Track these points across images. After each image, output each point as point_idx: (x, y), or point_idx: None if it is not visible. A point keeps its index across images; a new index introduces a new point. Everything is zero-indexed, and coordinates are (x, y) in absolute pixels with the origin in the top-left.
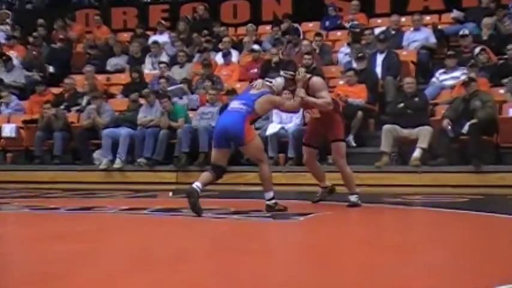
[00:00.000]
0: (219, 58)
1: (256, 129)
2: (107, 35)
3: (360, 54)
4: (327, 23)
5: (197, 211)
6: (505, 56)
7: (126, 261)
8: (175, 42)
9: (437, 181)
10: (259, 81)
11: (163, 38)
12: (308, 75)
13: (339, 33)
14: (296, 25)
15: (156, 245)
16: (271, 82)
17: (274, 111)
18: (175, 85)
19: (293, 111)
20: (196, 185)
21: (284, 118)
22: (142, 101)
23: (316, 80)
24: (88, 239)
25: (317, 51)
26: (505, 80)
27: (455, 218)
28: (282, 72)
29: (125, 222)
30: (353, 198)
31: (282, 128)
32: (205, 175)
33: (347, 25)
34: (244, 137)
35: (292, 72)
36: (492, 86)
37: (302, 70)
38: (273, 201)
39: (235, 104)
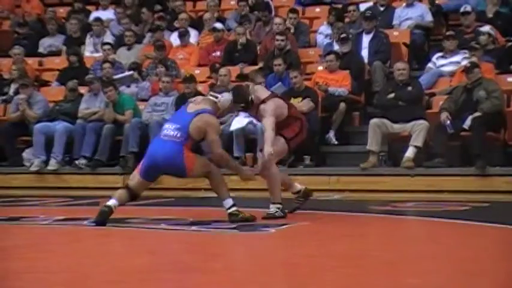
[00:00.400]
0: (174, 39)
1: (220, 123)
2: (39, 10)
3: (342, 35)
4: None
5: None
6: None
7: (62, 284)
8: (121, 19)
9: (434, 186)
10: (200, 97)
11: (107, 14)
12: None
13: (317, 9)
14: None
15: (98, 265)
16: (216, 97)
17: None
18: (121, 71)
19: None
20: (113, 203)
21: None
22: (82, 89)
23: (264, 108)
24: (14, 257)
25: (291, 30)
26: None
27: (455, 230)
28: (231, 105)
29: (61, 236)
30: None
31: (251, 122)
32: (123, 194)
33: (327, 0)
34: (186, 169)
35: (243, 104)
36: (499, 73)
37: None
38: (234, 208)
39: (169, 130)
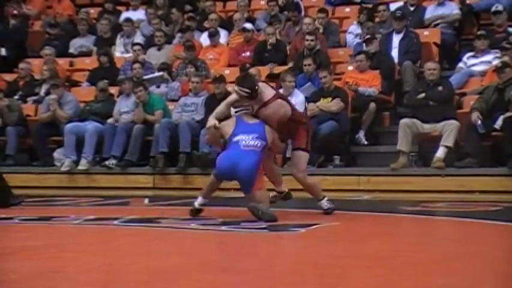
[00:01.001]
0: (204, 39)
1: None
2: (70, 11)
3: (367, 36)
4: None
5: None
6: None
7: (93, 284)
8: (152, 20)
9: (465, 186)
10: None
11: (137, 14)
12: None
13: (347, 9)
14: None
15: (129, 264)
16: (248, 109)
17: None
18: (151, 71)
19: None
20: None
21: None
22: (112, 90)
23: (267, 113)
24: (46, 256)
25: (321, 30)
26: None
27: (486, 231)
28: (236, 88)
29: (92, 236)
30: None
31: None
32: None
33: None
34: (253, 185)
35: (247, 90)
36: None
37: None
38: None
39: (247, 141)
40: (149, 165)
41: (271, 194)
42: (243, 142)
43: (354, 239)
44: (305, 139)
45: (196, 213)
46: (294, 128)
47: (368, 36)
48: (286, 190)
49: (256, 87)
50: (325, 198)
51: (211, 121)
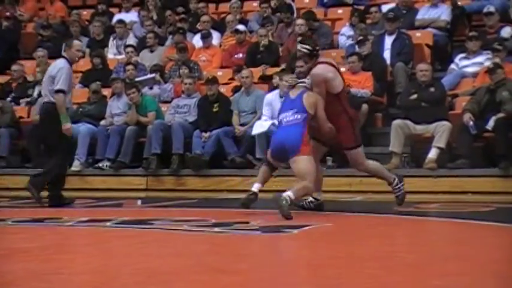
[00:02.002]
0: (196, 40)
1: (242, 125)
2: (62, 13)
3: (359, 37)
4: None
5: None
6: None
7: (88, 286)
8: (144, 21)
9: (457, 187)
10: (290, 77)
11: (130, 16)
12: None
13: (339, 10)
14: (289, 1)
15: (124, 266)
16: (304, 82)
17: (265, 102)
18: (144, 73)
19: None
20: (257, 187)
21: (277, 111)
22: (105, 91)
23: (315, 72)
24: (41, 258)
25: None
26: None
27: (479, 232)
28: (299, 46)
29: (85, 237)
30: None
31: (273, 124)
32: (265, 171)
33: (349, 1)
34: (300, 149)
35: (308, 47)
36: None
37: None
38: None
39: (287, 117)
40: (142, 166)
41: (309, 198)
42: (285, 119)
43: (347, 240)
44: (351, 135)
45: (250, 201)
46: (337, 118)
47: (361, 37)
48: (321, 200)
49: (318, 47)
50: (395, 181)
51: None
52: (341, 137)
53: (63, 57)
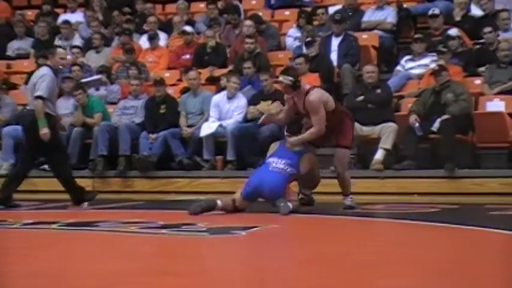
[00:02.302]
0: (143, 41)
1: (189, 126)
2: (7, 13)
3: (308, 39)
4: (273, 0)
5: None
6: (482, 41)
7: None
8: (90, 22)
9: (403, 188)
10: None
11: (76, 17)
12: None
13: (286, 12)
14: (236, 2)
15: (68, 269)
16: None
17: (213, 103)
18: (90, 74)
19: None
20: (219, 204)
21: (224, 113)
22: None
23: (312, 99)
24: None
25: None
26: (481, 69)
27: (426, 232)
28: (281, 77)
29: (30, 240)
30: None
31: (220, 125)
32: (229, 204)
33: (297, 2)
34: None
35: (291, 78)
36: (467, 75)
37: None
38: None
39: (278, 164)
40: (88, 168)
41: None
42: (273, 164)
43: (294, 242)
44: (350, 136)
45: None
46: (341, 123)
47: (309, 39)
48: (311, 196)
49: (299, 77)
50: (350, 196)
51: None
52: (340, 135)
53: (47, 65)
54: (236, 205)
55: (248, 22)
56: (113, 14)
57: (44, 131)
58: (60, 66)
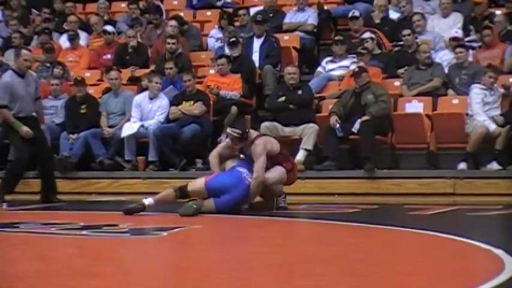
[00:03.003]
0: (63, 41)
1: (110, 126)
2: None
3: (232, 39)
4: (195, 1)
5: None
6: (401, 43)
7: None
8: (9, 21)
9: (324, 188)
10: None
11: None
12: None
13: (208, 13)
14: (158, 2)
15: None
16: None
17: (134, 103)
18: None
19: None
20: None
21: (146, 113)
22: None
23: (256, 148)
24: None
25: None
26: (400, 71)
27: (346, 232)
28: (229, 130)
29: None
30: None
31: (142, 125)
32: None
33: (218, 3)
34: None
35: (239, 131)
36: (386, 77)
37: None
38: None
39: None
40: (5, 169)
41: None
42: (246, 175)
43: (216, 242)
44: (291, 166)
45: (136, 210)
46: (284, 161)
47: (233, 39)
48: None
49: (247, 130)
50: (283, 196)
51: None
52: (283, 163)
53: (11, 69)
54: (188, 190)
55: (172, 22)
56: (31, 13)
57: (24, 130)
58: (25, 68)
